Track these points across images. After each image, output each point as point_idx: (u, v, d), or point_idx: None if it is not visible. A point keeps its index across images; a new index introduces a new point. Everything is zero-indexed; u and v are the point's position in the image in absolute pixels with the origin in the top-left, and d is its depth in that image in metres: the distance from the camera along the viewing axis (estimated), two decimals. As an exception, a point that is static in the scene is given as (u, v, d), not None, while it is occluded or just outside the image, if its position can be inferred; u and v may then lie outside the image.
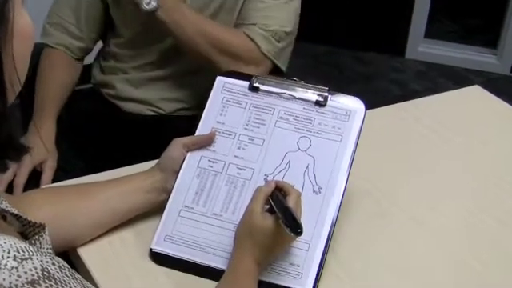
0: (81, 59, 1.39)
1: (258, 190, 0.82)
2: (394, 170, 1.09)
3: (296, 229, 0.76)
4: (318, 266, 0.83)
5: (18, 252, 0.47)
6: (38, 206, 0.83)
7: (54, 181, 1.23)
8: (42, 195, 0.91)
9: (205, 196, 0.90)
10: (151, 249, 0.87)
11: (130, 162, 1.07)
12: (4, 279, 0.45)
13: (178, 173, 0.91)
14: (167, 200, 0.91)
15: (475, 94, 1.37)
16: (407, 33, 3.02)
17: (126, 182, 0.91)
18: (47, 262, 0.48)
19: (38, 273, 0.46)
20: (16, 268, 0.46)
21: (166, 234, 0.88)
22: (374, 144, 1.07)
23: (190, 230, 0.88)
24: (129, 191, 0.90)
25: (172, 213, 0.89)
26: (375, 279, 0.87)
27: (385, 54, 3.02)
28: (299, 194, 0.82)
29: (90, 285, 0.53)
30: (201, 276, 0.85)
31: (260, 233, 0.78)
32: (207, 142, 0.93)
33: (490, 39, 3.03)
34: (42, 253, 0.49)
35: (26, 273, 0.46)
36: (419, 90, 2.76)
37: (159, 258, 0.87)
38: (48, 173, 1.25)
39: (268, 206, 0.80)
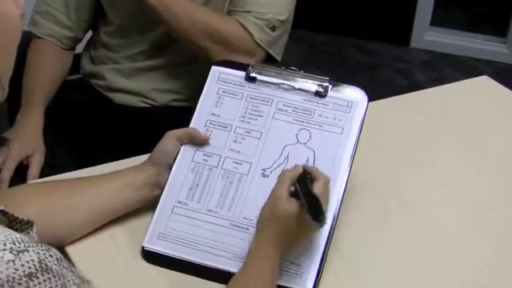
0: (71, 49, 1.39)
1: (284, 173, 0.82)
2: (398, 164, 1.09)
3: (318, 217, 0.75)
4: (318, 264, 0.83)
5: (14, 244, 0.47)
6: (26, 202, 0.83)
7: (41, 176, 1.23)
8: (30, 190, 0.91)
9: (199, 191, 0.90)
10: (143, 247, 0.87)
11: (122, 156, 1.07)
12: (1, 272, 0.45)
13: (171, 167, 0.91)
14: (160, 196, 0.90)
15: (484, 84, 1.37)
16: (412, 20, 3.01)
17: (117, 177, 0.91)
18: (44, 254, 0.48)
19: (35, 265, 0.47)
20: (13, 261, 0.46)
21: (158, 232, 0.88)
22: (377, 137, 1.07)
23: (184, 227, 0.88)
24: (120, 187, 0.90)
25: (165, 209, 0.89)
26: (378, 278, 0.87)
27: (389, 43, 3.02)
28: (328, 181, 0.82)
29: (87, 278, 0.53)
30: (195, 275, 0.85)
31: (284, 217, 0.79)
32: (202, 140, 0.93)
33: (499, 27, 3.03)
34: (38, 244, 0.49)
35: (23, 265, 0.46)
36: (425, 81, 2.76)
37: (152, 257, 0.87)
38: (35, 167, 1.25)
39: (293, 190, 0.80)
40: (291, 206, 0.78)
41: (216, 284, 0.83)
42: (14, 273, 0.46)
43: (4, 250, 0.46)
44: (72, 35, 1.36)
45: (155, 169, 0.91)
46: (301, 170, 0.82)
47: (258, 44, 1.24)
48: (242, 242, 0.86)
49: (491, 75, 1.41)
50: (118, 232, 0.91)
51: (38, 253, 0.48)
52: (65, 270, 0.49)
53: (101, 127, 1.36)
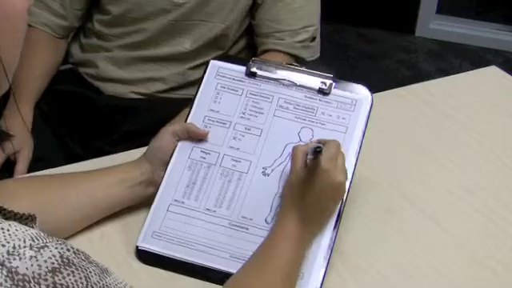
0: (64, 38, 1.39)
1: (296, 148, 0.85)
2: (403, 159, 1.09)
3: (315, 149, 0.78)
4: (321, 265, 0.84)
5: (33, 240, 0.48)
6: (14, 197, 0.83)
7: (30, 171, 1.24)
8: (19, 185, 0.91)
9: (197, 190, 0.90)
10: (137, 246, 0.88)
11: (113, 151, 1.07)
12: (26, 268, 0.46)
13: (167, 164, 0.91)
14: (155, 193, 0.91)
15: (492, 75, 1.37)
16: (418, 8, 3.01)
17: (109, 173, 0.91)
18: (62, 248, 0.49)
19: (57, 260, 0.48)
20: (35, 257, 0.47)
21: (153, 231, 0.88)
22: (381, 131, 1.07)
23: (180, 226, 0.88)
24: (112, 183, 0.90)
25: (160, 207, 0.90)
26: (381, 279, 0.87)
27: (393, 32, 3.02)
28: (338, 143, 0.85)
29: (106, 266, 0.54)
30: (192, 276, 0.86)
31: (301, 187, 0.81)
32: (200, 136, 0.93)
33: (508, 15, 3.03)
34: (53, 238, 0.50)
35: (45, 261, 0.47)
36: (430, 72, 2.77)
37: (146, 257, 0.87)
38: (23, 163, 1.25)
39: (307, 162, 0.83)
40: (306, 174, 0.81)
41: (214, 285, 0.84)
42: (39, 269, 0.47)
43: (24, 246, 0.47)
44: (66, 24, 1.36)
45: (150, 165, 0.91)
46: (312, 144, 0.85)
47: (307, 61, 1.32)
48: (241, 241, 0.86)
49: (500, 65, 1.41)
50: (109, 230, 0.91)
51: (56, 247, 0.49)
52: (84, 262, 0.50)
53: (91, 120, 1.36)
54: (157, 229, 0.89)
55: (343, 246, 0.89)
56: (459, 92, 1.29)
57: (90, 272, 0.50)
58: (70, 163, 1.05)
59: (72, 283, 0.48)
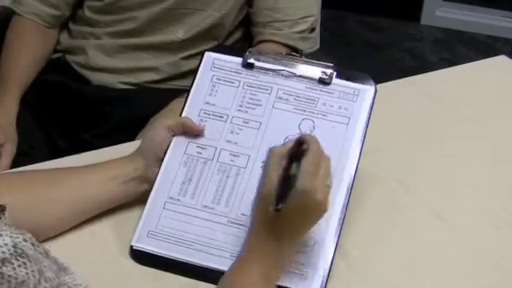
0: (54, 27, 1.39)
1: (272, 152, 0.77)
2: (408, 154, 1.09)
3: (277, 202, 0.71)
4: (325, 264, 0.84)
5: None
6: None
7: (15, 166, 1.24)
8: (4, 181, 0.90)
9: (193, 186, 0.91)
10: (132, 246, 0.88)
11: (102, 145, 1.08)
12: None
13: (161, 160, 0.92)
14: (149, 191, 0.91)
15: (501, 65, 1.37)
16: (423, -5, 3.02)
17: (100, 169, 0.91)
18: (17, 237, 0.49)
19: (9, 250, 0.48)
20: None
21: (149, 230, 0.89)
22: (383, 123, 1.05)
23: (177, 224, 0.89)
24: (103, 180, 0.90)
25: (156, 205, 0.90)
26: (386, 279, 0.88)
27: (397, 20, 3.02)
28: (319, 146, 0.75)
29: (66, 265, 0.54)
30: (189, 276, 0.86)
31: (272, 214, 0.73)
32: (196, 131, 0.93)
33: (518, 2, 3.04)
34: (11, 228, 0.50)
35: None
36: (436, 61, 2.78)
37: (141, 257, 0.88)
38: (6, 158, 1.25)
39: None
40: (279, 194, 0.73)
41: (208, 284, 0.85)
42: None
43: None
44: (58, 13, 1.37)
45: (144, 161, 0.91)
46: (290, 145, 0.77)
47: (306, 53, 1.32)
48: (240, 240, 0.86)
49: (509, 54, 1.41)
50: (99, 229, 0.91)
51: (11, 237, 0.49)
52: (40, 256, 0.51)
53: (77, 111, 1.37)
54: (152, 228, 0.89)
55: (346, 245, 0.90)
56: (466, 83, 1.29)
57: (45, 266, 0.50)
58: (55, 158, 1.05)
59: (23, 275, 0.48)
